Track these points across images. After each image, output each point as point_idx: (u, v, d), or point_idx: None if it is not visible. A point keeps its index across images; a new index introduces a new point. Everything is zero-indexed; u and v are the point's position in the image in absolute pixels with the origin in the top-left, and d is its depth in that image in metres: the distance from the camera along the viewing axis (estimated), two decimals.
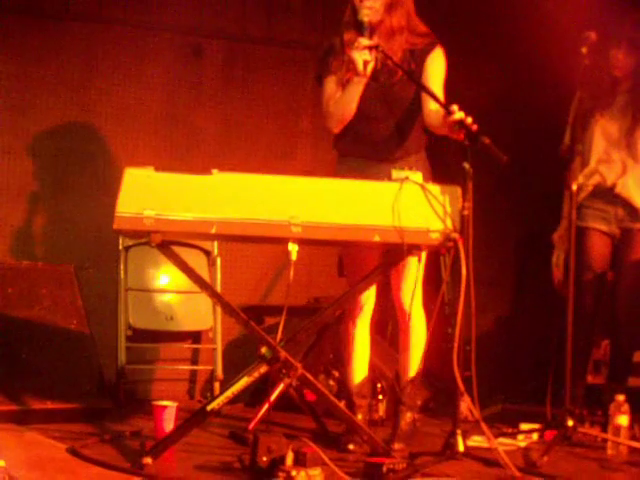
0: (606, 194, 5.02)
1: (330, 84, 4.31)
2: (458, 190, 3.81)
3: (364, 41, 4.04)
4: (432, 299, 4.29)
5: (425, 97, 4.20)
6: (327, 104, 4.30)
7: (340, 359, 4.83)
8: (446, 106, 3.90)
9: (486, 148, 3.78)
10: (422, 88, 4.12)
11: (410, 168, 3.94)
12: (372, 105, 4.25)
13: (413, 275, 4.24)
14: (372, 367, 4.74)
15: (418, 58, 4.27)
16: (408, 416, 4.36)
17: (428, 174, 4.23)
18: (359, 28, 4.13)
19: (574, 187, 4.38)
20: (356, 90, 4.16)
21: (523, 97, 6.28)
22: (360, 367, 4.50)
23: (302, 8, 6.37)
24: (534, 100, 6.18)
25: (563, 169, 4.72)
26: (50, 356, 4.87)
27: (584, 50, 4.33)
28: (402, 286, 4.36)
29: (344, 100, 4.22)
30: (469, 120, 3.82)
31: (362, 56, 4.03)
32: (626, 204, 4.99)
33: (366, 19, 4.12)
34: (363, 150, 4.32)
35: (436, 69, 4.29)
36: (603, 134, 5.03)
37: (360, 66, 4.04)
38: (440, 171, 4.28)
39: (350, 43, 4.20)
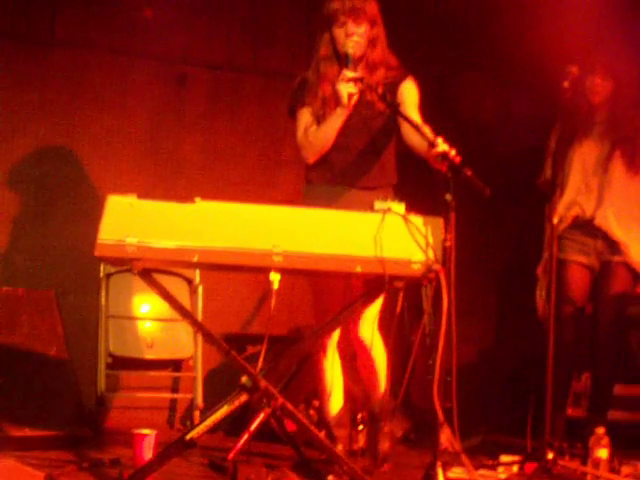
0: (585, 226, 5.04)
1: (305, 115, 4.35)
2: (440, 221, 3.82)
3: (349, 73, 4.07)
4: (386, 323, 4.31)
5: (401, 119, 4.23)
6: (303, 135, 4.33)
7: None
8: (430, 139, 3.92)
9: (468, 180, 3.80)
10: (407, 121, 4.14)
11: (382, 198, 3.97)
12: (347, 135, 4.28)
13: (372, 307, 4.24)
14: (352, 397, 4.73)
15: (392, 89, 4.32)
16: (386, 431, 4.34)
17: None
18: (343, 61, 4.17)
19: (555, 220, 4.40)
20: (338, 122, 4.20)
21: (514, 118, 6.30)
22: (336, 397, 4.49)
23: (287, 39, 6.41)
24: (522, 125, 6.20)
25: (544, 199, 4.76)
26: (29, 383, 4.84)
27: (566, 84, 4.37)
28: (361, 318, 4.36)
29: (324, 131, 4.25)
30: (453, 152, 3.84)
31: (347, 89, 4.06)
32: (605, 236, 5.01)
33: (351, 51, 4.17)
34: (334, 178, 4.35)
35: (409, 97, 4.36)
36: (581, 163, 5.06)
37: (345, 99, 4.07)
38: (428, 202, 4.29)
39: (328, 76, 4.25)
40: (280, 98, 6.26)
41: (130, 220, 3.62)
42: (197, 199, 3.69)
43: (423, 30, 6.14)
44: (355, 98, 4.11)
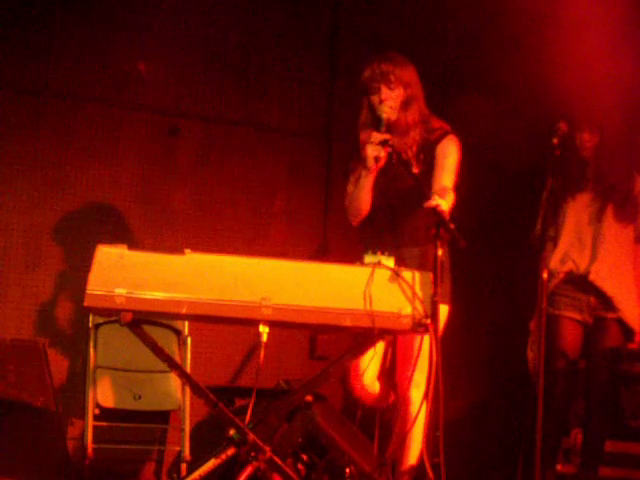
0: (579, 281, 5.03)
1: (350, 181, 4.43)
2: (430, 276, 3.83)
3: (376, 135, 4.12)
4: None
5: (432, 183, 4.27)
6: (346, 200, 4.43)
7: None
8: (428, 193, 3.96)
9: (449, 232, 3.82)
10: (416, 180, 4.17)
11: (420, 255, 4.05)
12: (389, 196, 4.35)
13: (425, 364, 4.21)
14: (341, 452, 4.70)
15: (429, 148, 4.36)
16: None
17: (446, 267, 4.29)
18: (377, 124, 4.22)
19: (544, 275, 4.40)
20: (365, 183, 4.28)
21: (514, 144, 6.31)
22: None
23: (279, 92, 6.45)
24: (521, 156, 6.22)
25: (536, 253, 4.75)
26: (14, 434, 4.80)
27: (555, 141, 4.39)
28: (413, 377, 4.29)
29: (356, 194, 4.35)
30: (442, 206, 3.86)
31: (374, 151, 4.11)
32: (599, 293, 5.00)
33: (385, 116, 4.23)
34: (382, 239, 4.36)
35: (443, 154, 4.37)
36: (575, 217, 5.06)
37: (371, 161, 4.12)
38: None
39: (366, 142, 4.28)
40: (271, 151, 6.33)
41: (120, 271, 3.61)
42: (187, 251, 3.69)
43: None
44: (382, 160, 4.15)
